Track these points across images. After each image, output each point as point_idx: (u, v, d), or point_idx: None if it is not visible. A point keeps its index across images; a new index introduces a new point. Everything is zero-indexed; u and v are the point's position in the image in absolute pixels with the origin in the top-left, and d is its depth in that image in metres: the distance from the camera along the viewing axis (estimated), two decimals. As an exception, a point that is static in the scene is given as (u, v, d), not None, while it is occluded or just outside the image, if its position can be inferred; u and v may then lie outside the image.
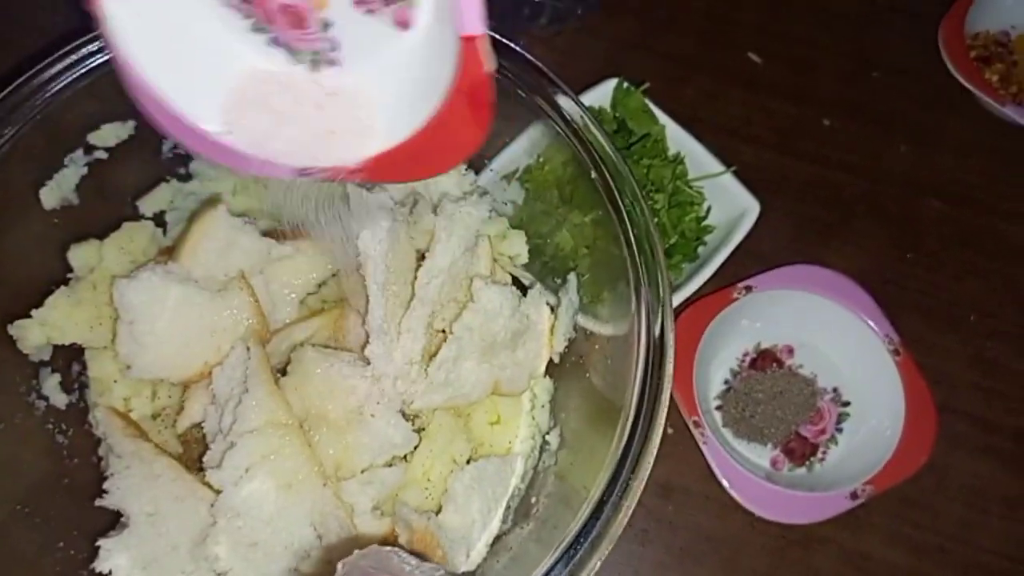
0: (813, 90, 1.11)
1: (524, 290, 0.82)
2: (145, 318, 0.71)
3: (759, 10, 1.16)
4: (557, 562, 0.59)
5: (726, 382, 0.98)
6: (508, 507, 0.79)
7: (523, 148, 0.83)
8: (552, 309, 0.81)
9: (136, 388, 0.78)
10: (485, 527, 0.76)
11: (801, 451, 0.94)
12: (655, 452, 0.62)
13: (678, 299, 0.90)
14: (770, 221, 0.96)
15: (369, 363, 0.72)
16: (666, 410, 0.63)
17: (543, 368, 0.81)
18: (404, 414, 0.75)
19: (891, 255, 1.04)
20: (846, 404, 0.97)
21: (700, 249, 0.95)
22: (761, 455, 0.95)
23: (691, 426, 0.89)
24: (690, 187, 0.95)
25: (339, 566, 0.50)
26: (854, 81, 1.13)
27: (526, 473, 0.80)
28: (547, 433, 0.81)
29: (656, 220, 0.91)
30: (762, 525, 0.89)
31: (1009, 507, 0.93)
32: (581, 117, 0.72)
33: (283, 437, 0.69)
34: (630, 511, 0.60)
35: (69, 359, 0.79)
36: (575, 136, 0.72)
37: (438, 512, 0.74)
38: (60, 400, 0.77)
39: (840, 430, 0.96)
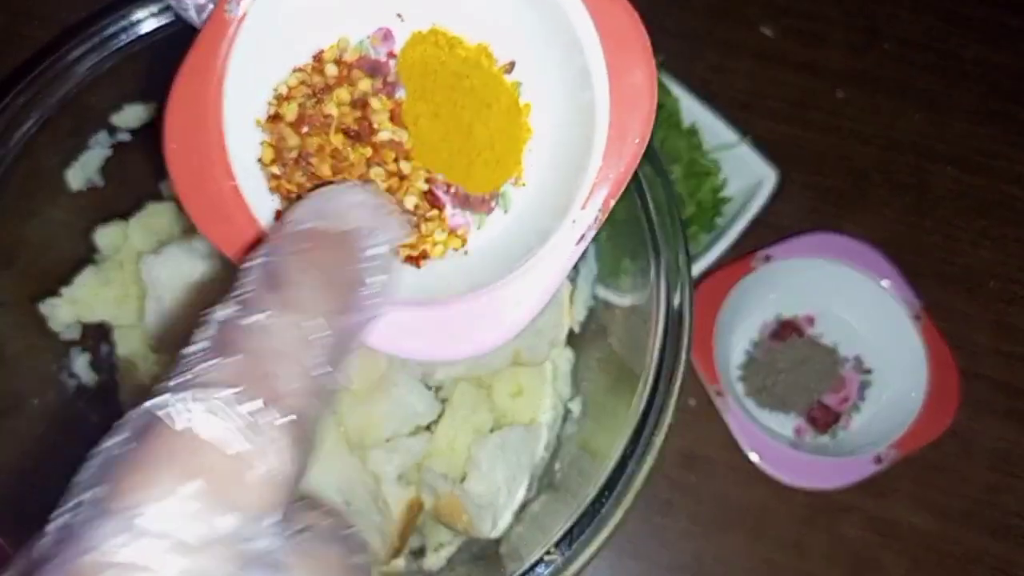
0: (825, 62, 1.11)
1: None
2: (172, 293, 0.73)
3: (768, -14, 1.17)
4: (575, 523, 0.59)
5: (747, 352, 0.98)
6: (532, 476, 0.79)
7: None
8: (571, 278, 0.82)
9: (164, 366, 0.80)
10: (511, 495, 0.76)
11: (824, 419, 0.94)
12: (671, 416, 0.62)
13: (697, 270, 0.91)
14: (786, 192, 0.96)
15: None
16: (683, 377, 0.63)
17: (563, 337, 0.82)
18: (427, 386, 0.76)
19: (907, 223, 1.04)
20: (868, 371, 0.97)
21: (718, 220, 0.96)
22: (784, 424, 0.95)
23: (713, 396, 0.89)
24: (706, 158, 0.95)
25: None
26: (865, 52, 1.13)
27: (550, 442, 0.81)
28: (569, 400, 0.82)
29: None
30: (787, 494, 0.89)
31: (1033, 473, 0.93)
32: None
33: (310, 405, 0.70)
34: (647, 474, 0.61)
35: (98, 339, 0.80)
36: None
37: (463, 480, 0.75)
38: (90, 379, 0.79)
39: (863, 397, 0.96)
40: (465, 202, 0.47)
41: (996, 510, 0.91)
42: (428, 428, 0.77)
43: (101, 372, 0.80)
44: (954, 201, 1.06)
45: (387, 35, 0.46)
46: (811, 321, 0.99)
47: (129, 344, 0.79)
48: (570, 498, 0.72)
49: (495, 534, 0.75)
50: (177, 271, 0.72)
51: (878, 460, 0.86)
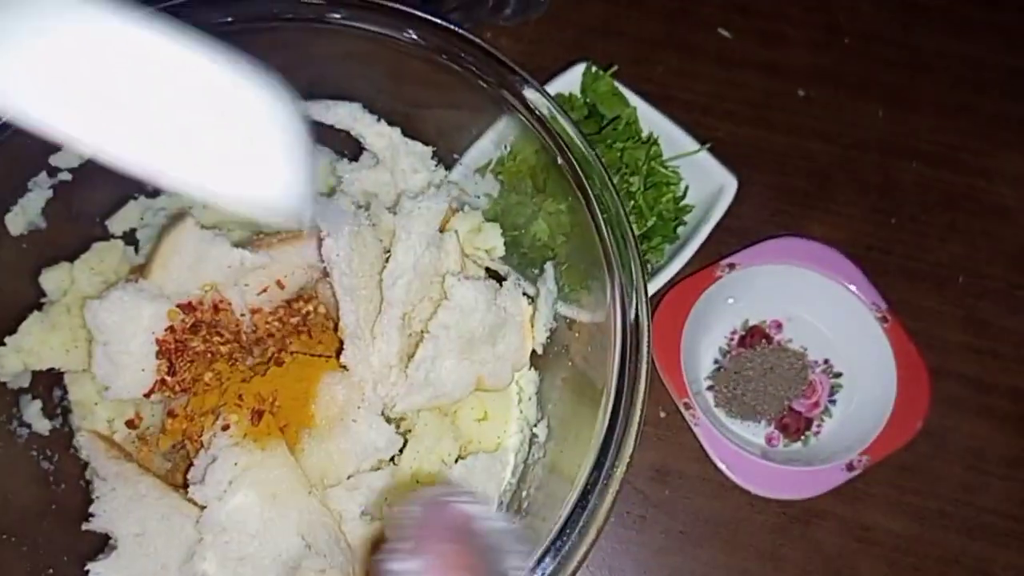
0: (785, 61, 1.10)
1: (503, 282, 0.82)
2: (119, 338, 0.71)
3: (725, -15, 1.15)
4: (546, 552, 0.59)
5: (716, 362, 0.97)
6: (500, 502, 0.78)
7: (492, 141, 0.82)
8: (531, 300, 0.80)
9: (118, 409, 0.78)
10: (477, 524, 0.75)
11: (796, 426, 0.93)
12: (636, 434, 0.62)
13: (661, 280, 0.89)
14: (749, 195, 0.95)
15: (347, 369, 0.72)
16: (645, 392, 0.62)
17: (527, 360, 0.81)
18: (388, 417, 0.74)
19: (874, 221, 1.03)
20: (838, 375, 0.96)
21: (680, 229, 0.94)
22: (756, 433, 0.94)
23: (682, 409, 0.88)
24: (665, 167, 0.94)
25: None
26: (826, 49, 1.12)
27: (516, 467, 0.80)
28: (535, 425, 0.80)
29: (632, 203, 0.90)
30: (761, 503, 0.88)
31: (1009, 466, 0.92)
32: (547, 108, 0.71)
33: (264, 448, 0.68)
34: (615, 494, 0.60)
35: (50, 384, 0.78)
36: (542, 127, 0.71)
37: (428, 513, 0.74)
38: (43, 426, 0.77)
39: (833, 402, 0.95)
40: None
41: (971, 509, 0.90)
42: (392, 460, 0.76)
43: (54, 418, 0.78)
44: (920, 197, 1.05)
45: None
46: (779, 326, 0.98)
47: (82, 389, 0.77)
48: (539, 522, 0.71)
49: (463, 566, 0.74)
50: (124, 315, 0.70)
51: (850, 467, 0.85)
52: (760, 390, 0.93)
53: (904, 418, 0.87)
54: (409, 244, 0.73)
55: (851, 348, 0.95)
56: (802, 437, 0.93)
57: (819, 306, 0.96)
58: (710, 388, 0.95)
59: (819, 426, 0.94)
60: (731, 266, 0.92)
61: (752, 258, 0.93)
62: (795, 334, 0.98)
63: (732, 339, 0.98)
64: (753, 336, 0.97)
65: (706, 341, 0.97)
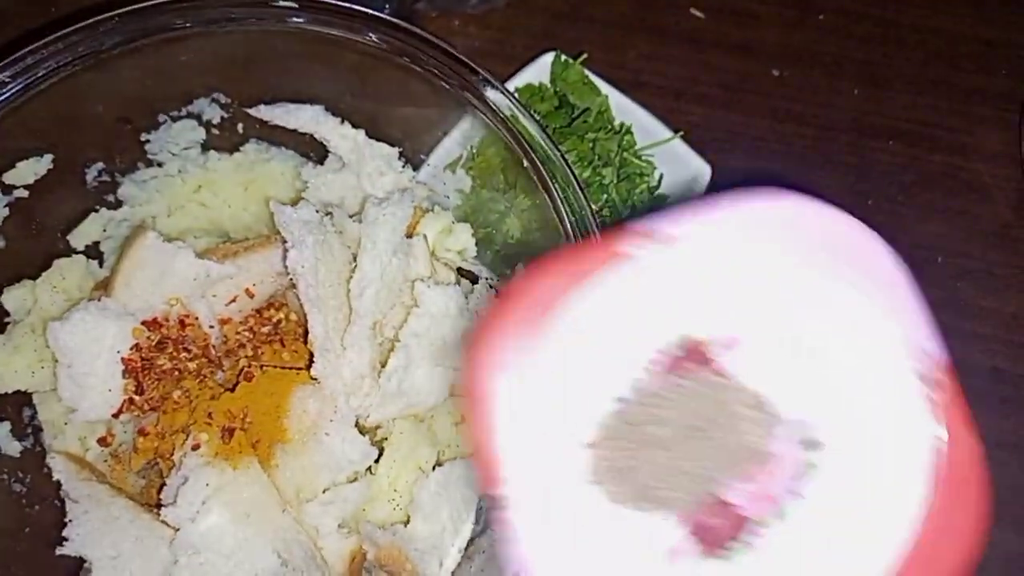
0: (759, 41, 1.08)
1: (475, 284, 0.81)
2: (84, 359, 0.69)
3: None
4: None
5: (620, 403, 0.48)
6: (481, 508, 0.77)
7: (457, 140, 0.81)
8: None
9: (90, 428, 0.76)
10: (457, 533, 0.74)
11: (721, 532, 0.48)
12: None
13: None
14: (725, 180, 0.93)
15: (319, 382, 0.71)
16: None
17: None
18: (363, 428, 0.73)
19: (851, 203, 0.99)
20: (815, 445, 0.47)
21: (655, 220, 0.93)
22: (652, 536, 0.47)
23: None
24: (639, 157, 0.92)
25: None
26: (800, 27, 1.10)
27: (495, 470, 0.79)
28: (512, 428, 0.80)
29: (605, 197, 0.89)
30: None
31: (992, 448, 0.92)
32: (510, 108, 0.70)
33: (236, 467, 0.67)
34: None
35: (19, 404, 0.77)
36: (504, 127, 0.70)
37: (407, 523, 0.73)
38: (13, 448, 0.75)
39: (797, 493, 0.47)
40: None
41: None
42: (369, 470, 0.75)
43: (24, 439, 0.76)
44: (897, 176, 1.03)
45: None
46: (731, 346, 0.48)
47: (51, 410, 0.76)
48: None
49: (444, 574, 0.74)
50: (87, 336, 0.69)
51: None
52: (670, 461, 0.48)
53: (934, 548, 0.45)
54: (375, 253, 0.72)
55: (853, 408, 0.48)
56: (728, 551, 0.48)
57: (811, 323, 0.49)
58: (591, 448, 0.46)
59: (759, 537, 0.47)
60: (652, 236, 0.48)
61: (694, 225, 0.49)
62: (754, 362, 0.49)
63: (655, 364, 0.48)
64: (690, 357, 0.49)
65: (600, 367, 0.48)
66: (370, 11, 0.71)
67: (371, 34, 0.72)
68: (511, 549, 0.42)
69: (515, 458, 0.44)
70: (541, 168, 0.68)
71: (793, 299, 0.50)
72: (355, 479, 0.73)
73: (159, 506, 0.69)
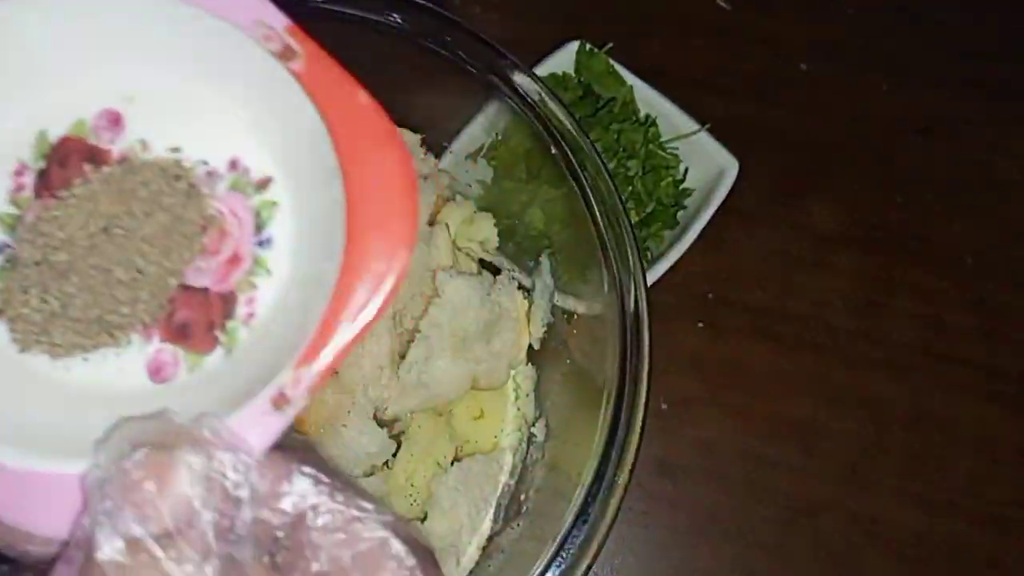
0: (786, 33, 1.06)
1: (497, 275, 0.78)
2: None
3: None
4: (553, 558, 0.56)
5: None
6: (499, 505, 0.75)
7: (482, 127, 0.79)
8: (528, 292, 0.77)
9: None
10: (475, 530, 0.72)
11: (206, 319, 0.38)
12: (641, 429, 0.59)
13: (661, 269, 0.86)
14: (750, 176, 0.91)
15: (336, 373, 0.69)
16: (648, 380, 0.60)
17: (523, 356, 0.78)
18: (381, 421, 0.71)
19: (878, 200, 1.00)
20: (263, 185, 0.39)
21: (680, 214, 0.91)
22: (123, 367, 0.38)
23: None
24: (664, 150, 0.90)
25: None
26: (828, 19, 1.08)
27: (515, 468, 0.77)
28: (533, 424, 0.78)
29: (630, 189, 0.87)
30: (768, 496, 0.86)
31: (1020, 454, 0.90)
32: (538, 93, 0.67)
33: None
34: (622, 493, 0.57)
35: None
36: (532, 113, 0.67)
37: (425, 519, 0.71)
38: None
39: (268, 242, 0.39)
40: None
41: (981, 500, 0.88)
42: (386, 464, 0.73)
43: None
44: (925, 174, 1.01)
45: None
46: (116, 122, 0.39)
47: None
48: (543, 522, 0.68)
49: (461, 574, 0.71)
50: None
51: (279, 402, 0.33)
52: (99, 277, 0.37)
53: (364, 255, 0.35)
54: (397, 241, 0.69)
55: (271, 126, 0.40)
56: (221, 340, 0.38)
57: (191, 61, 0.40)
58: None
59: (251, 303, 0.38)
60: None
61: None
62: (162, 128, 0.39)
63: (16, 187, 0.38)
64: (64, 165, 0.39)
65: None
66: (392, -9, 0.69)
67: (394, 15, 0.69)
68: None
69: None
70: (571, 156, 0.66)
71: (157, 39, 0.40)
72: (371, 473, 0.71)
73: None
